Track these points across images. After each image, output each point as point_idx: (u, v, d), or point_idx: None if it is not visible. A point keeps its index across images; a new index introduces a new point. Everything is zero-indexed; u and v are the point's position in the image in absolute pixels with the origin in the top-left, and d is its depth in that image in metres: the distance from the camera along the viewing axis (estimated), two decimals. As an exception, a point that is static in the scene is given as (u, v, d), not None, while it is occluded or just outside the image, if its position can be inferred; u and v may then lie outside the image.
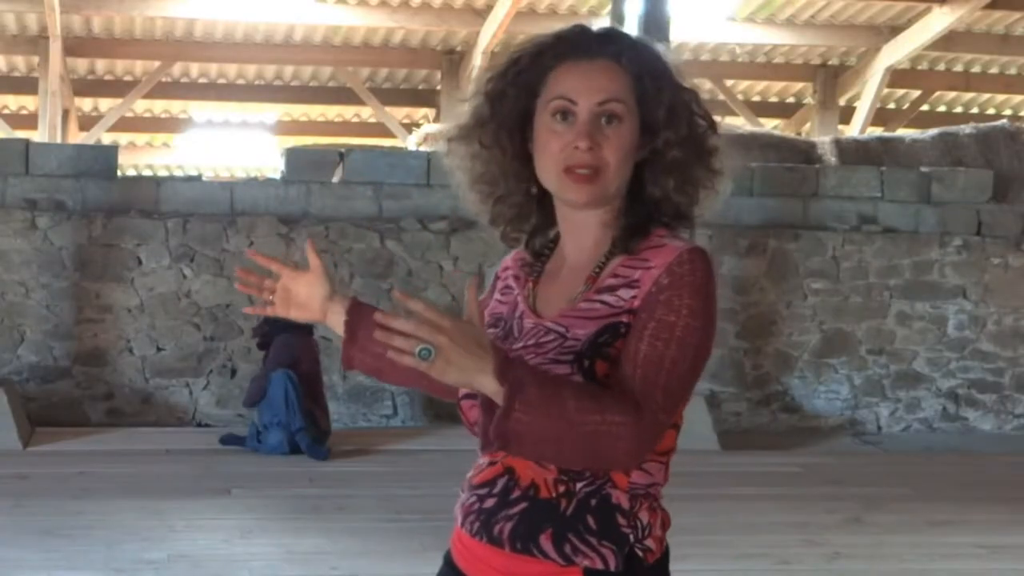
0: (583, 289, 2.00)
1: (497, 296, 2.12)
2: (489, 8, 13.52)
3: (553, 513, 1.93)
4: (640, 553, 1.96)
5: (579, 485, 1.93)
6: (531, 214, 2.08)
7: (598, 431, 1.82)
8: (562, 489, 1.93)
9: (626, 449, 1.85)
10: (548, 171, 1.99)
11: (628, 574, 1.94)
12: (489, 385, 1.80)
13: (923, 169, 10.87)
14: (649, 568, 1.97)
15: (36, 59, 14.50)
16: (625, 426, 1.83)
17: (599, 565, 1.93)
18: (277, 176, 10.68)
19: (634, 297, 1.95)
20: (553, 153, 1.97)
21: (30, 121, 15.18)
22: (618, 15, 10.15)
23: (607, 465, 1.89)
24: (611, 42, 2.02)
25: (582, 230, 2.03)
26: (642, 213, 2.02)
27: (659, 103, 2.00)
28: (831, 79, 15.95)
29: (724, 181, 2.06)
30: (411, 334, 1.75)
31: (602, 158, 1.95)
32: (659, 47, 2.08)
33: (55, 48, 13.66)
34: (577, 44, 2.02)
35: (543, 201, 2.07)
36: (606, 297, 1.97)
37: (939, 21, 13.68)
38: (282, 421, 8.38)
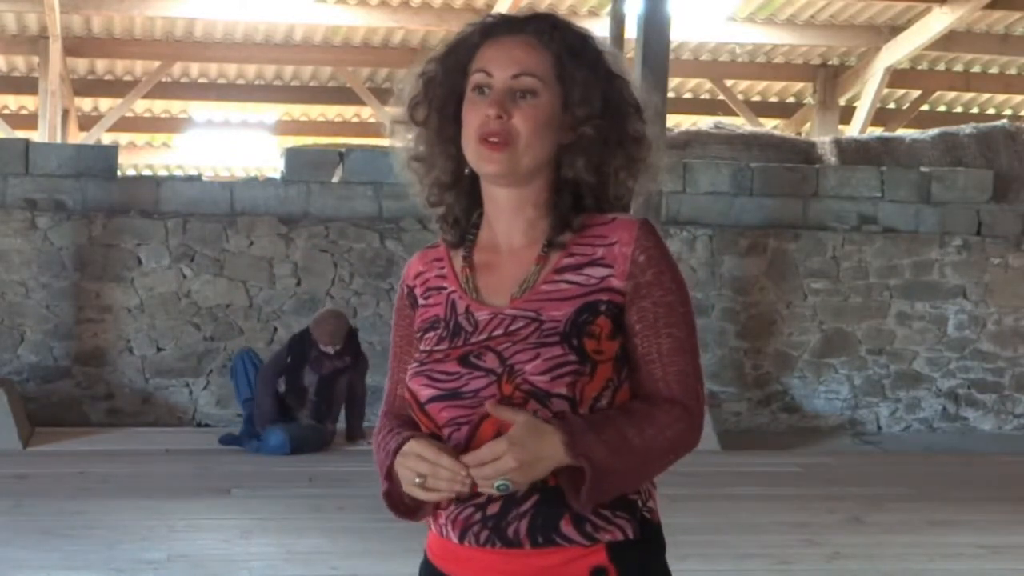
0: (536, 270, 2.01)
1: (422, 301, 2.10)
2: (489, 8, 13.52)
3: (565, 498, 1.93)
4: (648, 516, 2.00)
5: None
6: (460, 197, 2.09)
7: (666, 446, 1.96)
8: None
9: (691, 442, 2.00)
10: (468, 143, 2.00)
11: (645, 537, 1.98)
12: (562, 462, 1.88)
13: (923, 169, 10.88)
14: (656, 529, 2.02)
15: (36, 59, 14.49)
16: (684, 429, 1.97)
17: (620, 536, 1.96)
18: (277, 176, 10.68)
19: (610, 276, 1.98)
20: (471, 125, 1.99)
21: (30, 121, 15.17)
22: (618, 15, 10.14)
23: (681, 458, 2.03)
24: (536, 21, 2.05)
25: (513, 212, 2.04)
26: (567, 195, 2.03)
27: (574, 81, 2.01)
28: (831, 79, 15.95)
29: (650, 172, 2.07)
30: (484, 474, 1.86)
31: (512, 127, 1.96)
32: (593, 33, 2.09)
33: (55, 48, 13.65)
34: (504, 23, 2.05)
35: (472, 187, 2.08)
36: (571, 276, 1.99)
37: (939, 21, 13.67)
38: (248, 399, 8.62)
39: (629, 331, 1.99)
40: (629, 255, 1.98)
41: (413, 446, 1.92)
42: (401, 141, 2.12)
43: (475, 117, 1.99)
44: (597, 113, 2.00)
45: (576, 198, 2.03)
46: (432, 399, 1.98)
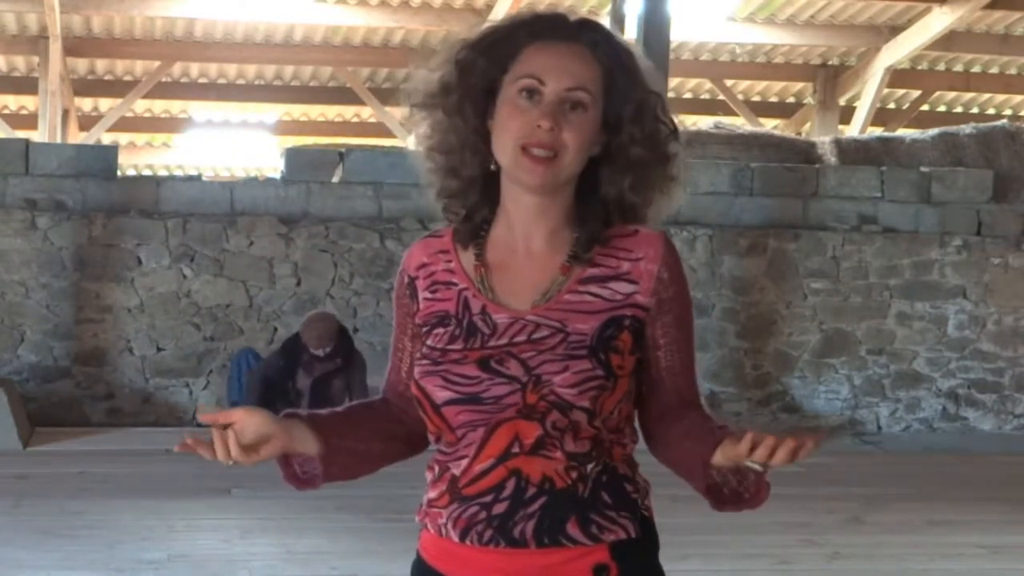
0: (561, 280, 1.99)
1: (426, 295, 2.05)
2: (489, 8, 13.52)
3: (573, 500, 1.93)
4: (646, 514, 2.02)
5: (589, 467, 1.94)
6: (476, 193, 2.04)
7: None
8: (575, 475, 1.93)
9: None
10: (506, 147, 1.96)
11: (644, 535, 2.00)
12: None
13: (923, 169, 10.88)
14: (653, 527, 2.04)
15: (36, 59, 14.50)
16: None
17: (623, 535, 1.96)
18: (277, 176, 10.69)
19: (636, 293, 1.98)
20: (513, 130, 1.94)
21: (30, 121, 15.18)
22: (618, 15, 10.15)
23: None
24: (589, 31, 2.01)
25: (537, 217, 2.01)
26: (599, 211, 2.02)
27: (627, 99, 1.99)
28: (831, 79, 15.96)
29: (679, 189, 2.07)
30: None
31: (562, 141, 1.93)
32: (634, 45, 2.08)
33: (55, 48, 13.66)
34: (555, 26, 2.01)
35: (488, 182, 2.04)
36: (595, 289, 1.98)
37: (939, 21, 13.68)
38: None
39: (651, 345, 2.01)
40: (655, 272, 1.99)
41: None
42: (418, 124, 2.06)
43: (520, 123, 1.94)
44: (649, 134, 2.00)
45: (606, 208, 2.03)
46: (449, 402, 1.96)
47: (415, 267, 2.08)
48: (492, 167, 2.02)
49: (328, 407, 7.29)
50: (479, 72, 1.99)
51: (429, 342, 2.01)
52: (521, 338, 1.95)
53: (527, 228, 2.02)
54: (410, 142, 2.15)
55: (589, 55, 1.98)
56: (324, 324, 8.76)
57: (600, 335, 1.95)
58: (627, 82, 1.99)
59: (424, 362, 1.99)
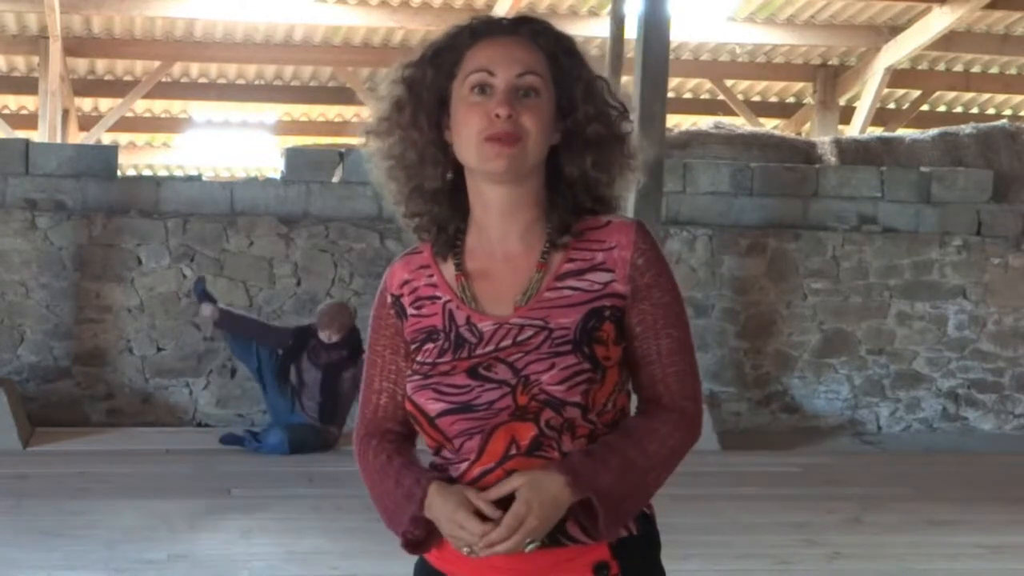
0: (538, 277, 2.00)
1: (412, 311, 2.06)
2: (489, 8, 13.52)
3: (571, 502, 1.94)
4: (647, 512, 2.03)
5: None
6: (443, 205, 2.05)
7: (669, 456, 1.99)
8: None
9: (692, 442, 2.03)
10: (468, 144, 1.97)
11: (645, 533, 2.01)
12: (571, 500, 1.90)
13: (923, 169, 10.88)
14: (654, 525, 2.05)
15: (36, 59, 14.49)
16: (684, 434, 2.01)
17: (623, 533, 1.98)
18: (277, 176, 10.68)
19: (613, 281, 1.99)
20: (472, 124, 1.96)
21: (30, 121, 15.17)
22: (618, 15, 10.14)
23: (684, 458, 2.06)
24: (527, 24, 2.04)
25: (509, 215, 2.02)
26: (567, 196, 2.03)
27: (576, 80, 2.01)
28: (831, 79, 15.94)
29: (637, 169, 2.08)
30: (514, 544, 1.88)
31: (522, 126, 1.95)
32: (574, 36, 2.11)
33: (55, 48, 13.65)
34: (493, 25, 2.04)
35: (453, 194, 2.05)
36: (573, 282, 1.99)
37: (939, 21, 13.67)
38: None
39: (629, 333, 2.00)
40: (628, 259, 1.99)
41: (448, 512, 1.92)
42: (376, 148, 2.08)
43: (477, 117, 1.96)
44: (603, 112, 2.01)
45: (574, 196, 2.03)
46: (443, 413, 1.97)
47: (398, 285, 2.09)
48: (450, 175, 2.03)
49: (337, 406, 7.34)
50: (428, 83, 2.02)
51: (419, 358, 2.02)
52: (507, 342, 1.97)
53: (501, 230, 2.03)
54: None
55: (531, 44, 2.01)
56: (340, 309, 8.84)
57: (583, 328, 1.96)
58: (572, 64, 2.02)
59: (415, 377, 2.00)
